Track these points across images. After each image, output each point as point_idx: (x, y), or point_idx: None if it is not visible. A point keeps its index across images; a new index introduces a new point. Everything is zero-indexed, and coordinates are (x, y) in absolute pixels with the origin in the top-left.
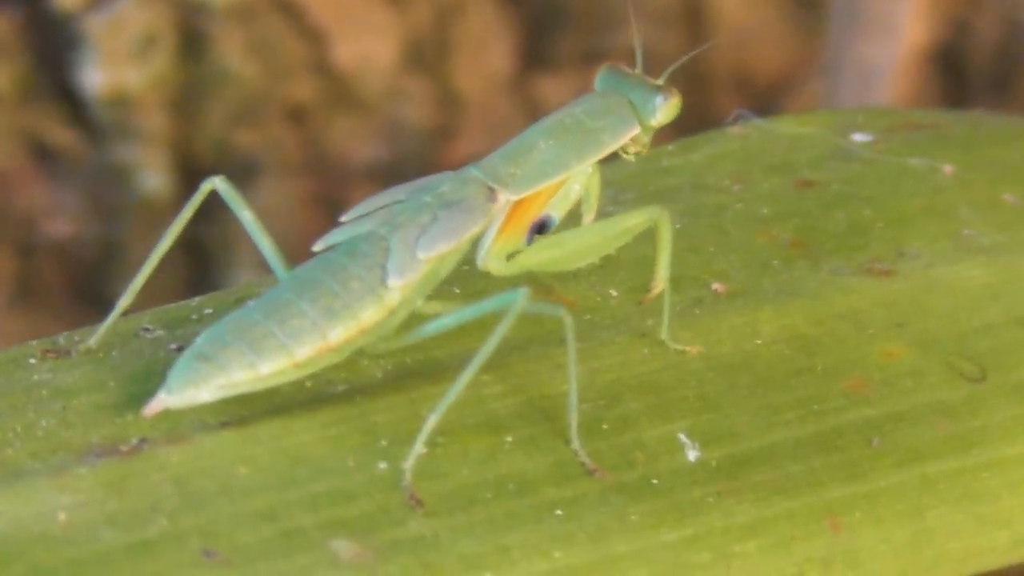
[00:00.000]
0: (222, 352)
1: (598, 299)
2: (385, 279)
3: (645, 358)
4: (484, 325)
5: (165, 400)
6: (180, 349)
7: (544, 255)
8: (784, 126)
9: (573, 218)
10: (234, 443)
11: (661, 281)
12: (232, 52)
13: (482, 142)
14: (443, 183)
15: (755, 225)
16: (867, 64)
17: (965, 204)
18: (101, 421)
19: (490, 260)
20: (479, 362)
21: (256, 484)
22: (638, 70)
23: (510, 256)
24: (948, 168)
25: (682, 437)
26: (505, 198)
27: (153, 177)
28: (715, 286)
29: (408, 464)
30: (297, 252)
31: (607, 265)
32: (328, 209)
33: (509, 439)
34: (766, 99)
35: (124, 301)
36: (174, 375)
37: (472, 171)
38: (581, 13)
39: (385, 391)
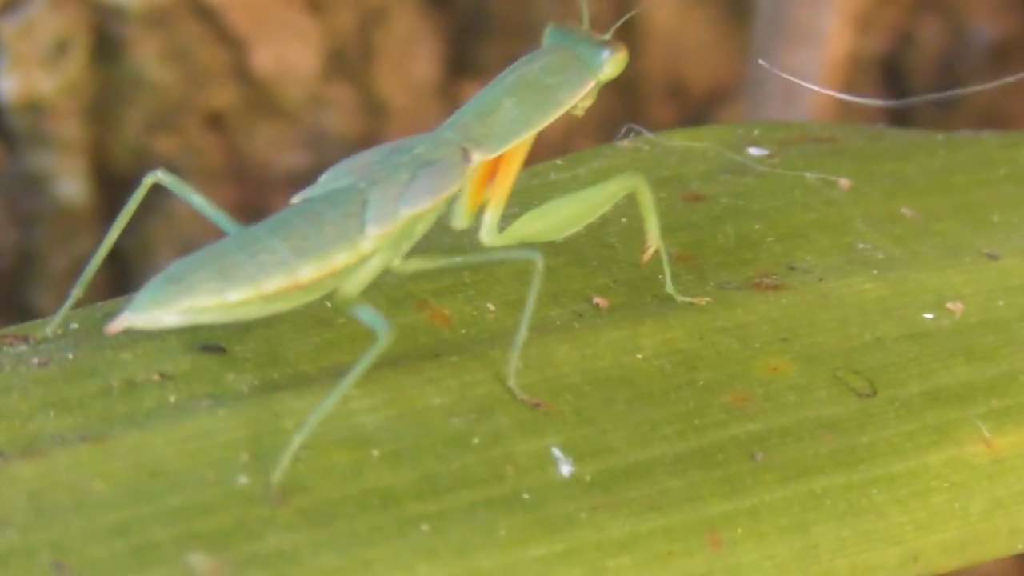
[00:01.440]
0: (192, 275)
1: (475, 313)
2: (362, 228)
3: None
4: (364, 337)
5: (129, 318)
6: (44, 364)
7: (534, 226)
8: (676, 140)
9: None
10: (91, 457)
11: (653, 240)
12: (148, 58)
13: None
14: (417, 145)
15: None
16: (792, 74)
17: (860, 218)
18: None
19: (486, 234)
20: (351, 381)
21: (112, 498)
22: (584, 27)
23: (501, 228)
24: (844, 182)
25: (556, 452)
26: (479, 157)
27: (69, 185)
28: (597, 300)
29: (275, 478)
30: None
31: (487, 279)
32: (251, 217)
33: (375, 453)
34: (700, 109)
35: (76, 291)
36: (142, 295)
37: (445, 133)
38: (506, 19)
39: (249, 405)
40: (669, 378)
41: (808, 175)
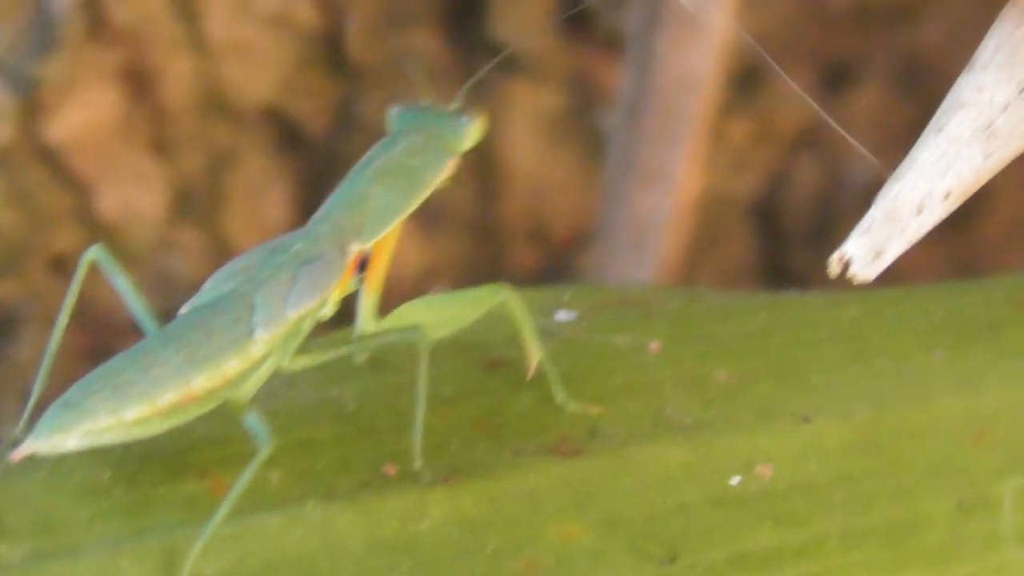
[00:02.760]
0: (88, 399)
1: (257, 481)
2: (251, 332)
3: (299, 539)
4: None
5: (33, 446)
6: None
7: (412, 318)
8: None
9: None
10: None
11: (534, 354)
12: None
13: None
14: (295, 242)
15: (436, 406)
16: (642, 218)
17: (670, 381)
18: None
19: (364, 321)
20: (237, 492)
21: None
22: (431, 101)
23: (377, 318)
24: (654, 345)
25: None
26: (356, 247)
27: None
28: (386, 468)
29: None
30: None
31: (279, 450)
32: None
33: None
34: (563, 253)
35: (38, 387)
36: (43, 422)
37: (319, 227)
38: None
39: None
40: (455, 545)
41: (617, 339)
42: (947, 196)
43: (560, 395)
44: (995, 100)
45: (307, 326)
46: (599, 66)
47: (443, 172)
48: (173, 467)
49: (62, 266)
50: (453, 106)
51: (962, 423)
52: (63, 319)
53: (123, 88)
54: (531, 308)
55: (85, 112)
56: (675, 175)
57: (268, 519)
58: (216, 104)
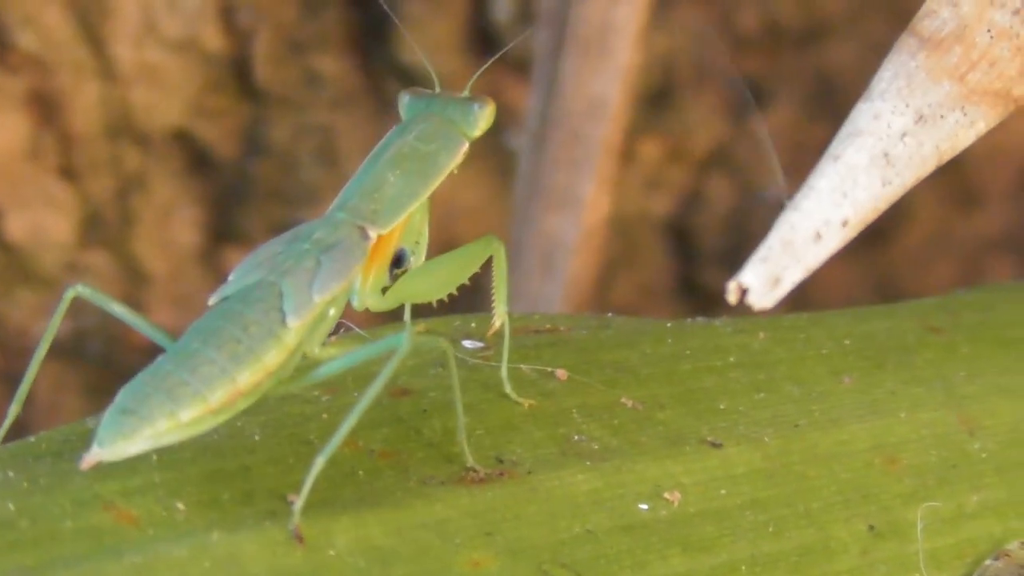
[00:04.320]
0: (144, 404)
1: (164, 513)
2: (283, 320)
3: (205, 572)
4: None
5: (99, 454)
6: None
7: (414, 287)
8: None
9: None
10: None
11: (500, 315)
12: None
13: (170, 316)
14: (315, 230)
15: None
16: (550, 239)
17: (576, 408)
18: None
19: (367, 298)
20: (367, 402)
21: None
22: (440, 90)
23: (384, 291)
24: (561, 372)
25: None
26: (375, 234)
27: None
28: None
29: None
30: None
31: (178, 478)
32: (10, 385)
33: None
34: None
35: (14, 409)
36: (103, 430)
37: (338, 215)
38: (268, 185)
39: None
40: (362, 574)
41: (523, 367)
42: (845, 224)
43: (504, 378)
44: (892, 128)
45: (333, 312)
46: (508, 88)
47: (457, 157)
48: (78, 499)
49: None
50: (462, 94)
51: (872, 448)
52: (42, 350)
53: (30, 113)
54: (439, 335)
55: None
56: (583, 197)
57: (174, 550)
58: (124, 128)
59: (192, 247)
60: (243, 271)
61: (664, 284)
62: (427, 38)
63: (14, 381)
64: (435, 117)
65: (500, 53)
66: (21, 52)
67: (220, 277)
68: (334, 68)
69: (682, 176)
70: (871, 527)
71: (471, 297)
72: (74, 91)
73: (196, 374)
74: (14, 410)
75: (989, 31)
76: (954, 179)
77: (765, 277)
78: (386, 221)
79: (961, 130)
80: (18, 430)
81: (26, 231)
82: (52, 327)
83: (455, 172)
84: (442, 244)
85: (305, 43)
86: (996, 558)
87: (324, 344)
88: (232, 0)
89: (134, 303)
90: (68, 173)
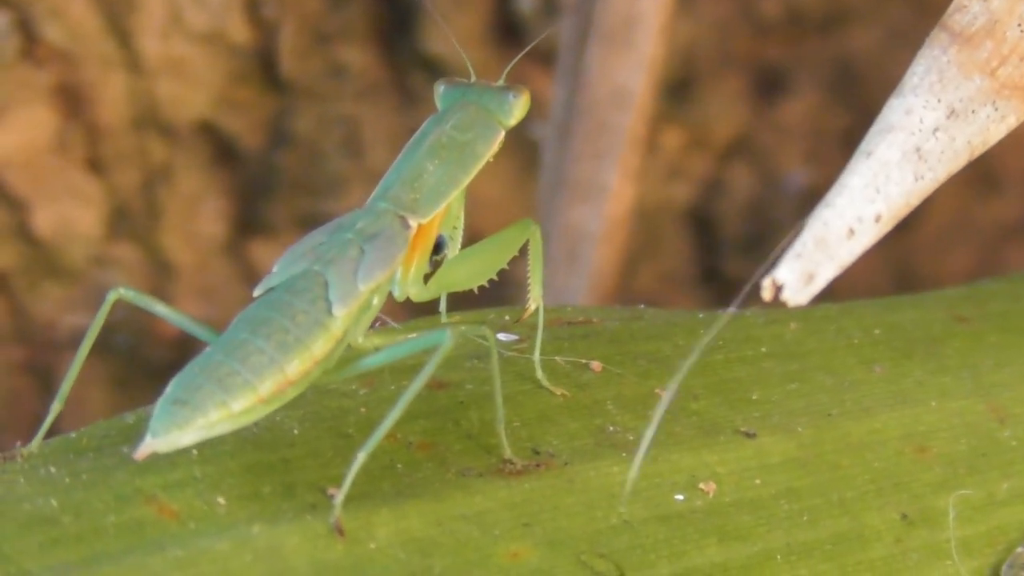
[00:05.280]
0: (196, 394)
1: (204, 507)
2: (329, 309)
3: (247, 566)
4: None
5: (152, 444)
6: None
7: (455, 275)
8: (421, 325)
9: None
10: None
11: (534, 300)
12: None
13: (196, 307)
14: (358, 220)
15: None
16: (575, 230)
17: (611, 400)
18: None
19: (409, 287)
20: (410, 396)
21: None
22: (476, 79)
23: (426, 279)
24: (595, 364)
25: None
26: (415, 223)
27: None
28: (331, 491)
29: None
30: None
31: (218, 471)
32: (37, 378)
33: None
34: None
35: (56, 407)
36: (157, 420)
37: (380, 204)
38: (294, 176)
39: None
40: (403, 566)
41: (558, 359)
42: (878, 219)
43: (537, 367)
44: (924, 123)
45: (376, 301)
46: (532, 79)
47: (493, 146)
48: (120, 494)
49: (1, 283)
50: (498, 83)
51: (903, 437)
52: (84, 350)
53: (57, 106)
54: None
55: (20, 131)
56: (608, 187)
57: (216, 544)
58: (150, 120)
59: (218, 239)
60: (287, 261)
61: (686, 272)
62: (452, 29)
63: (40, 374)
64: (471, 106)
65: (531, 45)
66: (48, 45)
67: (246, 268)
68: (359, 60)
69: (704, 165)
70: (904, 515)
71: (500, 289)
72: (100, 84)
73: (246, 364)
74: (56, 408)
75: (1020, 25)
76: (974, 167)
77: (799, 273)
78: (426, 210)
79: (992, 124)
80: (49, 424)
81: (53, 224)
82: (94, 329)
83: (491, 160)
84: (468, 236)
85: (330, 35)
86: None
87: (367, 334)
88: None
89: (160, 295)
90: (94, 166)
